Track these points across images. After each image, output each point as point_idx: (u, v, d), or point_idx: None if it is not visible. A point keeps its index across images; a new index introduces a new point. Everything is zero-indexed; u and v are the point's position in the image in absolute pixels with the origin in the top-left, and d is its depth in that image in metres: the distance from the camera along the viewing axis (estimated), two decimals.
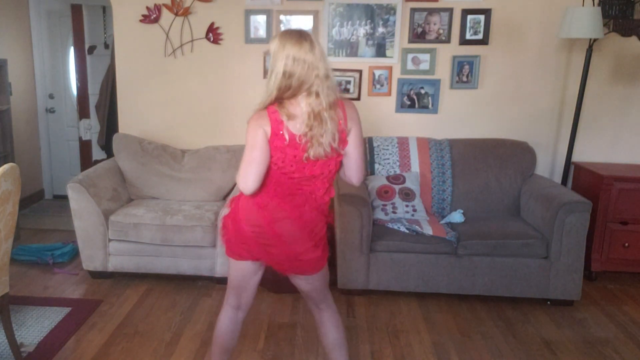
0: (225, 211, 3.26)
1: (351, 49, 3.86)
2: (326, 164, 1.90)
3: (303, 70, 1.80)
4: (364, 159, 1.99)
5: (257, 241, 1.96)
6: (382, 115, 3.95)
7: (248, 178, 1.85)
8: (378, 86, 3.91)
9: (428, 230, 3.22)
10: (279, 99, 1.85)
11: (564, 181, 3.79)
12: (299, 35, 1.84)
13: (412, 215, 3.42)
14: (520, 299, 3.29)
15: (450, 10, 3.77)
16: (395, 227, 3.26)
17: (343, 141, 1.90)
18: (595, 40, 3.55)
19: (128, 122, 4.10)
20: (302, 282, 2.09)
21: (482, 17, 3.76)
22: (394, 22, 3.79)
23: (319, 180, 1.93)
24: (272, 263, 2.02)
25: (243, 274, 2.08)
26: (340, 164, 1.97)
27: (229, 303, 2.15)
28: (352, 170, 1.97)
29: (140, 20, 3.90)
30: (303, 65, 1.80)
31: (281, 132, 1.83)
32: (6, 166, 2.21)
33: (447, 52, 3.84)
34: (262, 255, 2.01)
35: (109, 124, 4.87)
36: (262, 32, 3.86)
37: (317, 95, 1.81)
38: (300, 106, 1.83)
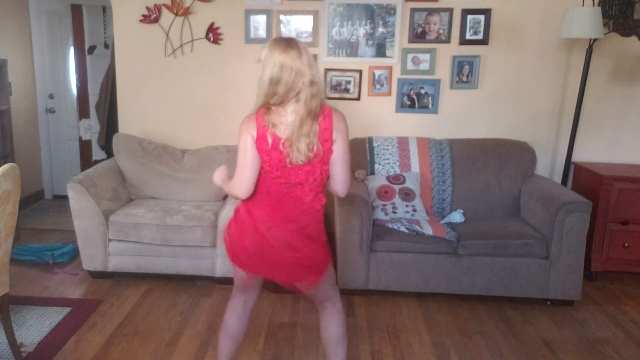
0: (226, 214, 3.29)
1: (351, 49, 3.86)
2: (311, 172, 1.92)
3: (290, 77, 1.83)
4: (348, 172, 1.99)
5: (258, 255, 1.98)
6: (382, 115, 3.95)
7: (242, 183, 1.91)
8: (378, 86, 3.91)
9: (428, 230, 3.22)
10: (267, 105, 1.88)
11: (564, 181, 3.79)
12: (287, 43, 1.88)
13: (412, 215, 3.42)
14: (520, 299, 3.29)
15: (450, 10, 3.76)
16: (395, 227, 3.26)
17: (328, 151, 1.91)
18: (595, 40, 3.55)
19: (128, 122, 4.09)
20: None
21: (482, 17, 3.76)
22: (394, 22, 3.79)
23: (305, 187, 1.94)
24: (274, 275, 2.04)
25: (245, 278, 2.12)
26: (326, 172, 1.97)
27: (237, 296, 2.20)
28: (336, 181, 1.98)
29: (140, 20, 3.90)
30: (290, 72, 1.84)
31: (266, 135, 1.86)
32: (6, 166, 2.21)
33: (447, 52, 3.84)
34: (263, 269, 2.03)
35: (109, 124, 4.87)
36: (262, 32, 3.86)
37: (303, 101, 1.84)
38: (287, 112, 1.85)
